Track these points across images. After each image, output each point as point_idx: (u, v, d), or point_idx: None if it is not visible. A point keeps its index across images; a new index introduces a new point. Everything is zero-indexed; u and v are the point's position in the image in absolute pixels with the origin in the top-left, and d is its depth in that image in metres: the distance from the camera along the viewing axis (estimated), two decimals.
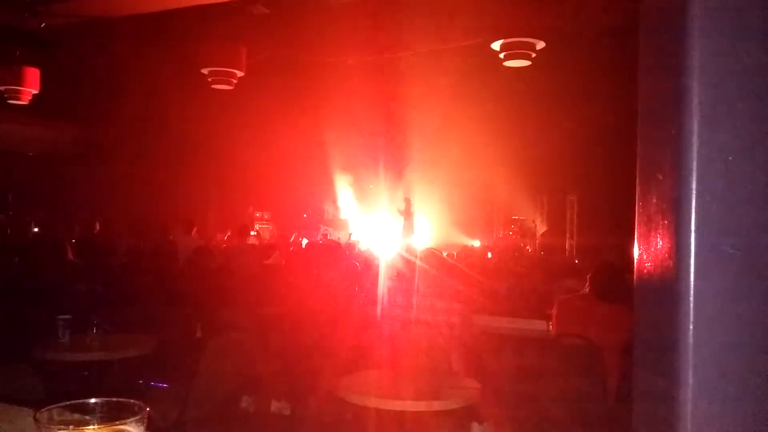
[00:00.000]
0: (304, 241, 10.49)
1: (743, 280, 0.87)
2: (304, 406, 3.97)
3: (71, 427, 0.66)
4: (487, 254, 8.99)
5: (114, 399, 0.71)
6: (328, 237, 11.96)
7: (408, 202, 12.92)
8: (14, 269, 4.98)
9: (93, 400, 0.71)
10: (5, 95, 9.38)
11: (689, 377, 0.88)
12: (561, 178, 12.33)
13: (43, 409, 0.68)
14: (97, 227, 9.20)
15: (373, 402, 2.85)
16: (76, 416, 0.70)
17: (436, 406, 2.79)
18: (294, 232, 12.50)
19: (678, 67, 0.92)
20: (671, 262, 0.92)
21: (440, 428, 3.49)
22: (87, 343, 3.59)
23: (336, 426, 3.65)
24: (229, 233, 10.09)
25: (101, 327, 3.71)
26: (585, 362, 2.98)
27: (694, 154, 0.88)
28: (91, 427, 0.68)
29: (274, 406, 4.26)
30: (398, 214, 13.00)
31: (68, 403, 0.70)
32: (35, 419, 0.65)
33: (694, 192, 0.88)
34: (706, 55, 0.90)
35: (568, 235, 12.64)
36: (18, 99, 9.37)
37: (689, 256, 0.88)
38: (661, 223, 0.96)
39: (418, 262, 4.42)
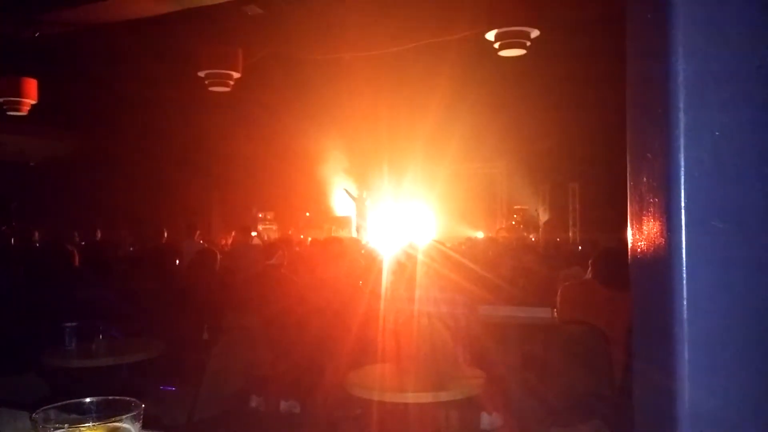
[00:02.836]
0: (309, 240, 10.51)
1: (734, 254, 0.87)
2: (313, 403, 3.99)
3: (67, 426, 0.67)
4: (489, 244, 8.99)
5: (110, 397, 0.72)
6: (332, 234, 11.97)
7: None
8: (19, 278, 5.00)
9: (88, 400, 0.72)
10: (4, 107, 9.41)
11: (685, 354, 0.89)
12: (561, 167, 12.32)
13: (39, 410, 0.69)
14: (99, 234, 9.23)
15: (380, 396, 2.86)
16: (73, 416, 0.70)
17: (443, 397, 2.80)
18: (297, 231, 12.53)
19: (663, 46, 0.92)
20: (663, 241, 0.92)
21: (449, 419, 3.50)
22: (94, 350, 3.60)
23: (345, 421, 3.66)
24: (233, 234, 10.12)
25: (108, 333, 3.72)
26: (589, 348, 2.98)
27: (681, 132, 0.88)
28: (87, 425, 0.68)
29: (283, 405, 4.27)
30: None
31: (64, 402, 0.71)
32: (31, 419, 0.65)
33: (682, 169, 0.88)
34: (690, 33, 0.90)
35: (571, 222, 12.64)
36: (17, 110, 9.40)
37: (680, 234, 0.89)
38: (652, 201, 0.97)
39: (420, 255, 4.42)
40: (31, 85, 9.27)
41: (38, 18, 7.37)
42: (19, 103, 9.30)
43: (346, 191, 13.52)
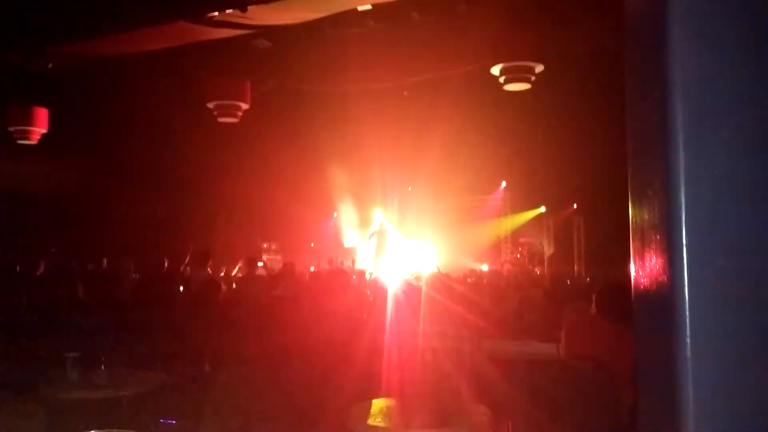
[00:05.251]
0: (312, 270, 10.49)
1: (738, 292, 0.86)
2: None
3: None
4: (495, 277, 8.95)
5: (114, 430, 0.72)
6: (337, 265, 11.94)
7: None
8: (23, 307, 5.00)
9: None
10: (14, 135, 9.54)
11: (690, 395, 0.88)
12: (566, 200, 12.33)
13: None
14: (105, 263, 9.25)
15: (383, 431, 2.81)
16: None
17: None
18: (302, 261, 12.51)
19: (661, 85, 0.93)
20: (666, 278, 0.92)
21: None
22: (95, 380, 3.58)
23: None
24: (240, 265, 10.12)
25: (109, 363, 3.70)
26: (595, 385, 2.94)
27: (681, 170, 0.89)
28: None
29: None
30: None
31: None
32: None
33: (683, 207, 0.89)
34: (687, 73, 0.91)
35: (576, 256, 12.58)
36: (27, 139, 9.54)
37: (683, 271, 0.89)
38: (653, 239, 0.97)
39: (425, 288, 4.41)
40: (42, 115, 9.42)
41: (51, 50, 7.53)
42: (29, 132, 9.43)
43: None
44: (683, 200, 0.88)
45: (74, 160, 12.21)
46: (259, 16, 6.83)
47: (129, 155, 12.02)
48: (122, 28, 6.94)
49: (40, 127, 9.43)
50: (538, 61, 7.61)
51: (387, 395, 3.23)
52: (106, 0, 6.33)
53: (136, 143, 11.54)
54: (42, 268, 8.42)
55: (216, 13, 6.64)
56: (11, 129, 9.46)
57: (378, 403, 3.14)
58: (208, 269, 7.66)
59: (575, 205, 12.88)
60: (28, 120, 9.33)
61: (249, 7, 6.45)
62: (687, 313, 0.87)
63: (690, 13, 0.91)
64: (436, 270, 9.80)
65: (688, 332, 0.87)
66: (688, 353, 0.87)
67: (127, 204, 12.02)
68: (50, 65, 8.09)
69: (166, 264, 7.70)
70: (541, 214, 13.59)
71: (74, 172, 12.35)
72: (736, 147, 0.88)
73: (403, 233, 13.60)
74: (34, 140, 9.59)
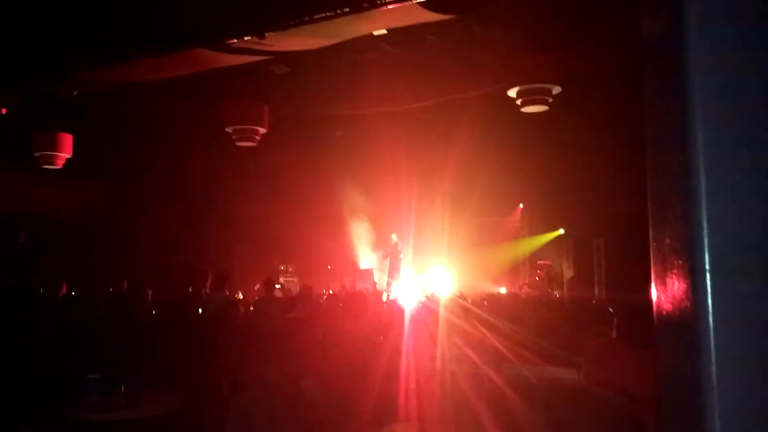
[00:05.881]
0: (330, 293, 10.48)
1: (762, 316, 0.85)
2: None
3: None
4: (513, 300, 8.84)
5: None
6: (356, 287, 11.92)
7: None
8: (46, 329, 5.06)
9: None
10: (40, 161, 9.74)
11: (716, 423, 0.86)
12: (585, 222, 12.21)
13: None
14: (125, 285, 9.34)
15: None
16: None
17: None
18: (319, 284, 12.51)
19: (680, 108, 0.93)
20: (689, 303, 0.91)
21: None
22: (115, 402, 3.59)
23: None
24: (258, 287, 10.16)
25: (129, 385, 3.71)
26: (617, 412, 2.88)
27: (703, 193, 0.88)
28: None
29: None
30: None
31: None
32: None
33: (705, 230, 0.87)
34: (707, 92, 0.91)
35: (596, 279, 12.40)
36: (52, 164, 9.74)
37: (706, 296, 0.87)
38: (675, 263, 0.96)
39: (442, 311, 4.38)
40: (67, 140, 9.62)
41: (76, 77, 7.72)
42: (54, 157, 9.63)
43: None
44: (705, 224, 0.87)
45: (97, 184, 12.44)
46: (277, 42, 6.94)
47: (149, 179, 12.21)
48: (144, 55, 7.09)
49: (65, 152, 9.63)
50: (555, 82, 7.61)
51: (405, 420, 3.20)
52: (129, 29, 6.49)
53: (157, 168, 11.72)
54: (64, 291, 8.52)
55: (234, 40, 6.76)
56: (37, 154, 9.67)
57: (395, 429, 3.10)
58: (226, 291, 7.69)
59: (595, 227, 12.73)
60: (54, 145, 9.54)
61: (267, 34, 6.57)
62: (712, 338, 0.86)
63: (707, 33, 0.91)
64: (456, 294, 9.74)
65: (713, 358, 0.85)
66: (714, 380, 0.85)
67: (147, 227, 12.16)
68: (75, 92, 8.29)
69: (190, 289, 7.76)
70: (560, 236, 13.46)
71: (97, 196, 12.58)
72: (758, 169, 0.87)
73: (420, 255, 13.55)
74: (59, 165, 9.78)
